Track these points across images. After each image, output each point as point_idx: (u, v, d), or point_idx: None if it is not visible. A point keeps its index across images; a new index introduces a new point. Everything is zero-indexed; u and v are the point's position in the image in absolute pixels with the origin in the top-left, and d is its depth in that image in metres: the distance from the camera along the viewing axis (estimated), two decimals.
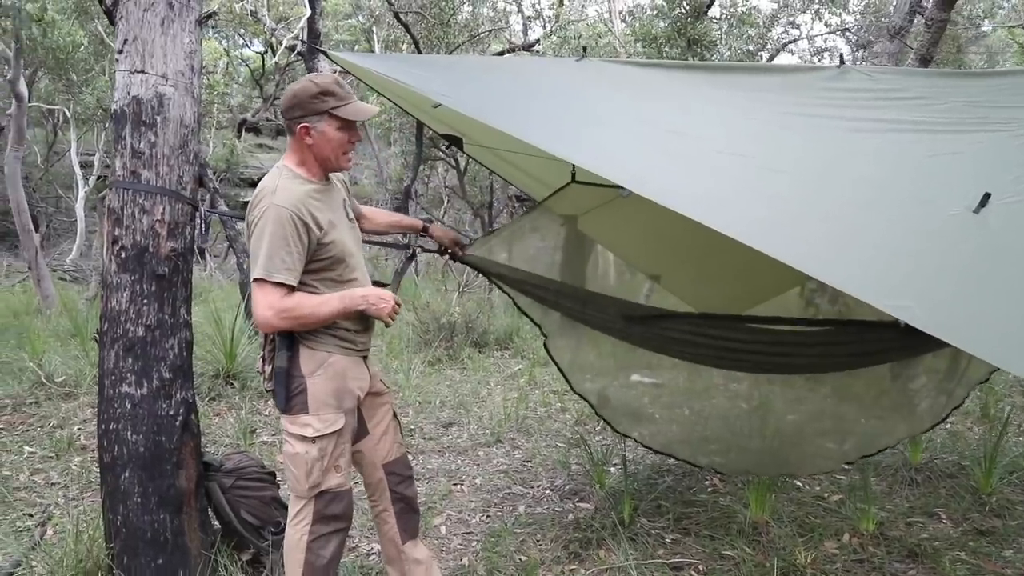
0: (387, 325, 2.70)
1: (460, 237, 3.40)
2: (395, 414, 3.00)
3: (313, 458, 2.59)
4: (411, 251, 3.46)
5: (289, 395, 2.58)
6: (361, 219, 3.09)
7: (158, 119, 2.96)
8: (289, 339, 2.58)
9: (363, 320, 2.72)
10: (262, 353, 2.69)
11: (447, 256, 3.41)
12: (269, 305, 2.45)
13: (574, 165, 3.33)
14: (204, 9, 3.22)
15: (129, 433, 2.94)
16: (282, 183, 2.54)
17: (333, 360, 2.62)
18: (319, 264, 2.58)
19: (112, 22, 3.17)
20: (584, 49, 4.06)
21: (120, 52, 2.99)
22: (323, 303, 2.53)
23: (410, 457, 3.08)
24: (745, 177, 2.74)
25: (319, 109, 2.57)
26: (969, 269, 2.32)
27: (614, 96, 3.38)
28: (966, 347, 2.01)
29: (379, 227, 3.19)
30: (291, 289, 2.48)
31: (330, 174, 2.74)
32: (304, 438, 2.58)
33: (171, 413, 3.00)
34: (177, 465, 3.02)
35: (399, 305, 2.66)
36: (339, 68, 3.67)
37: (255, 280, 2.46)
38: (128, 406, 2.93)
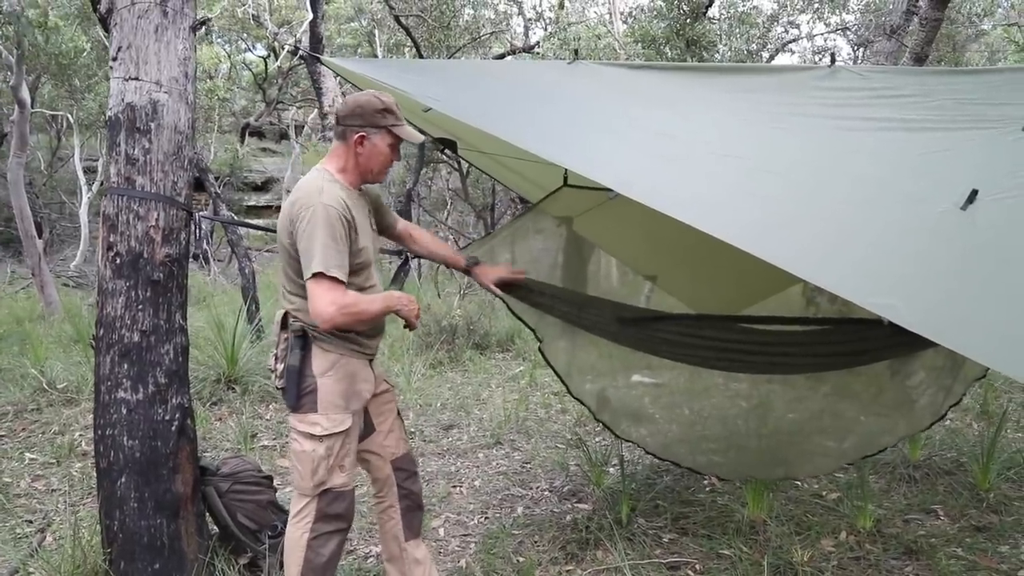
0: (412, 328, 2.79)
1: (505, 274, 3.29)
2: (398, 411, 3.05)
3: (320, 456, 2.64)
4: (403, 257, 3.46)
5: (300, 394, 2.64)
6: (408, 239, 3.17)
7: (152, 125, 2.98)
8: (303, 339, 2.65)
9: (377, 324, 2.79)
10: (275, 352, 2.75)
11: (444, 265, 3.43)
12: (332, 301, 2.47)
13: (566, 169, 3.34)
14: (199, 15, 3.25)
15: (125, 438, 2.96)
16: (327, 185, 2.62)
17: (344, 362, 2.68)
18: (350, 268, 2.62)
19: (107, 29, 3.19)
20: (575, 52, 4.07)
21: (114, 59, 3.01)
22: (373, 301, 2.62)
23: None
24: (737, 179, 2.74)
25: (379, 123, 2.68)
26: (957, 266, 2.33)
27: (605, 99, 3.39)
28: (953, 345, 2.01)
29: (427, 252, 3.24)
30: (345, 285, 2.53)
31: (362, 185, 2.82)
32: (312, 436, 2.64)
33: (167, 418, 3.02)
34: (173, 470, 3.04)
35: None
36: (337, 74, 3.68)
37: (314, 275, 2.48)
38: (124, 411, 2.95)
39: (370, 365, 2.83)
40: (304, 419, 2.65)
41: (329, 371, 2.65)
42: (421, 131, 3.56)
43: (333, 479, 2.68)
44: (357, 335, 2.71)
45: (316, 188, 2.59)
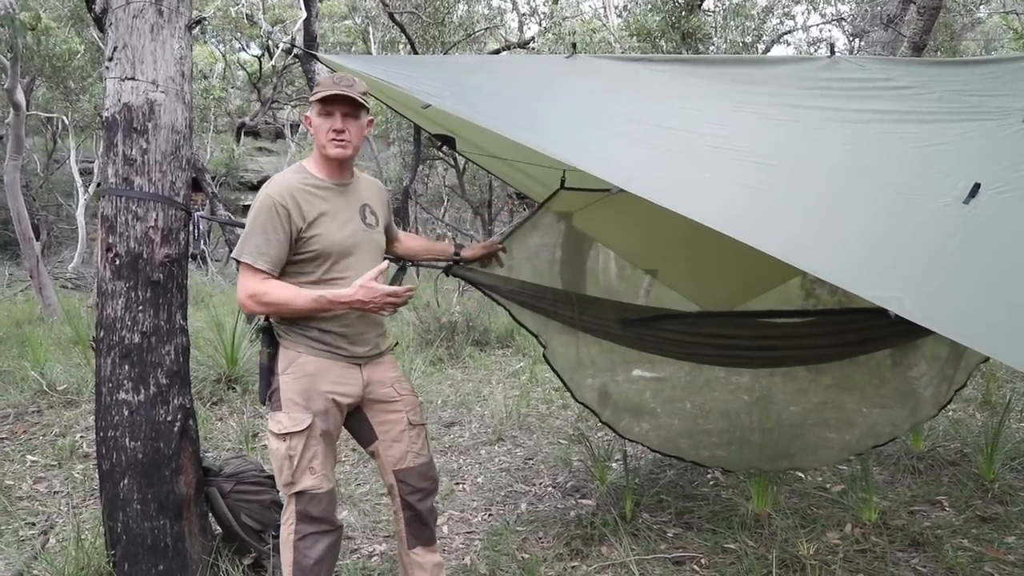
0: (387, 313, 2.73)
1: (493, 246, 3.49)
2: (412, 423, 2.91)
3: (282, 455, 2.62)
4: (401, 263, 3.38)
5: (267, 391, 2.68)
6: (394, 243, 3.16)
7: (149, 125, 2.96)
8: (271, 336, 2.69)
9: (353, 327, 2.72)
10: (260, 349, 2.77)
11: (442, 271, 3.43)
12: (243, 287, 2.56)
13: (564, 172, 3.34)
14: (194, 14, 3.22)
15: (127, 440, 2.94)
16: (281, 176, 2.67)
17: (303, 360, 2.66)
18: (299, 257, 2.62)
19: (102, 29, 3.17)
20: (574, 46, 4.05)
21: (110, 59, 2.99)
22: (295, 296, 2.57)
23: None
24: (734, 170, 2.72)
25: (311, 100, 2.70)
26: (959, 259, 2.31)
27: (603, 92, 3.37)
28: (956, 336, 2.00)
29: (411, 252, 3.28)
30: (266, 274, 2.56)
31: (360, 181, 2.84)
32: (275, 434, 2.65)
33: (169, 419, 3.01)
34: (176, 471, 3.03)
35: (396, 297, 2.60)
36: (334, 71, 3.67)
37: (236, 261, 2.59)
38: (126, 413, 2.94)
39: (359, 370, 2.76)
40: (272, 417, 2.67)
41: (288, 369, 2.65)
42: (420, 128, 3.56)
43: (303, 481, 2.63)
44: (321, 333, 2.66)
45: (271, 180, 2.66)
